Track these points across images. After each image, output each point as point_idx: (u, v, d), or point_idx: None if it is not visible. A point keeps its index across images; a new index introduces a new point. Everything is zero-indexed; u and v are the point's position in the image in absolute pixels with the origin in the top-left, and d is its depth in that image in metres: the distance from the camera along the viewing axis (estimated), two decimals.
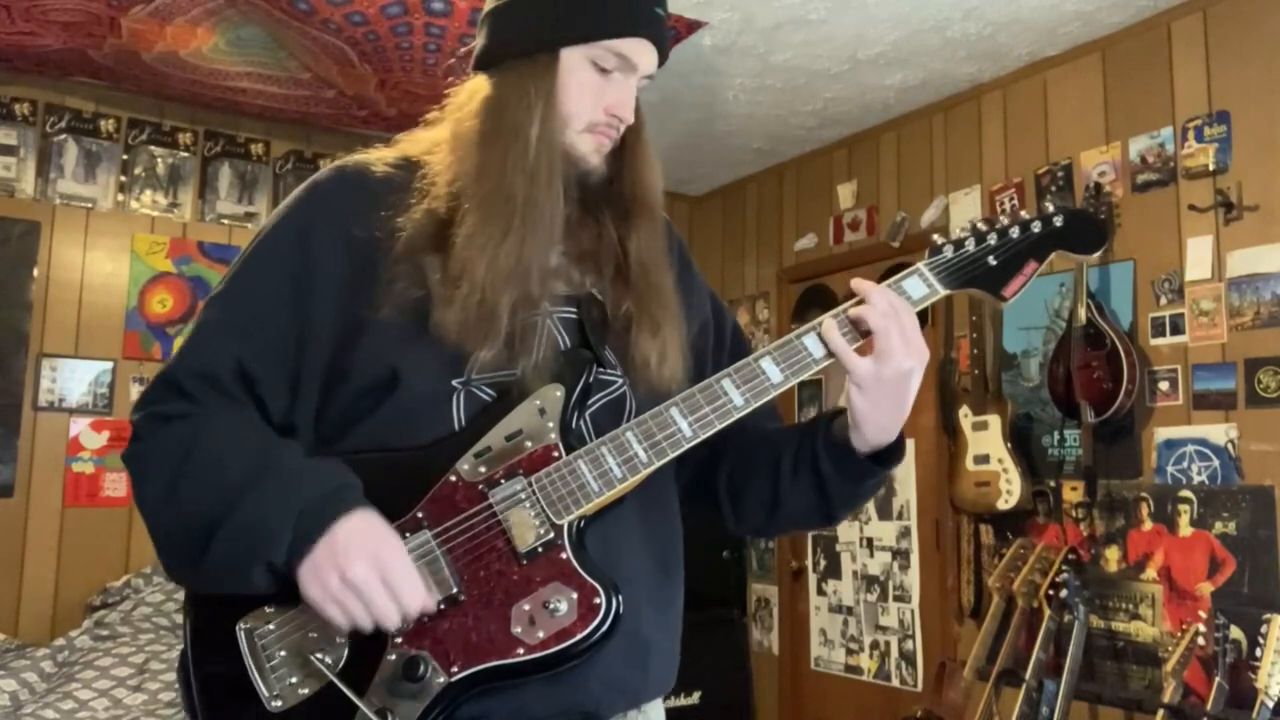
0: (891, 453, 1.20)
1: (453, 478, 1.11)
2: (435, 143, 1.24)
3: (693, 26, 3.22)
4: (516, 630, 1.06)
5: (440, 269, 1.14)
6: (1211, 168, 2.94)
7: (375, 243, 1.15)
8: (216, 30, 3.24)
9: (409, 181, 1.20)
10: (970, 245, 1.19)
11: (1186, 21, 3.07)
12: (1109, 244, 3.17)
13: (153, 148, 3.98)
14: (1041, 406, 3.33)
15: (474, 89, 1.25)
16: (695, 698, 4.09)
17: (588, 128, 1.21)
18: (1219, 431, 2.87)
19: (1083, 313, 3.07)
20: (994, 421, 3.34)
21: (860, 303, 1.15)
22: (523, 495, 1.10)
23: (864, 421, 1.16)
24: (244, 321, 1.16)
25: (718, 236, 5.04)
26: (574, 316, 1.20)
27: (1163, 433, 3.00)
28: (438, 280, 1.14)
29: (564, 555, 1.08)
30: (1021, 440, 3.35)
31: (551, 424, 1.12)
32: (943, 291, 1.18)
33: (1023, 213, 1.21)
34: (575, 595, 1.07)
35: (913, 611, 3.82)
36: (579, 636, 1.06)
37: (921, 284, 1.18)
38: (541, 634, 1.06)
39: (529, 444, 1.11)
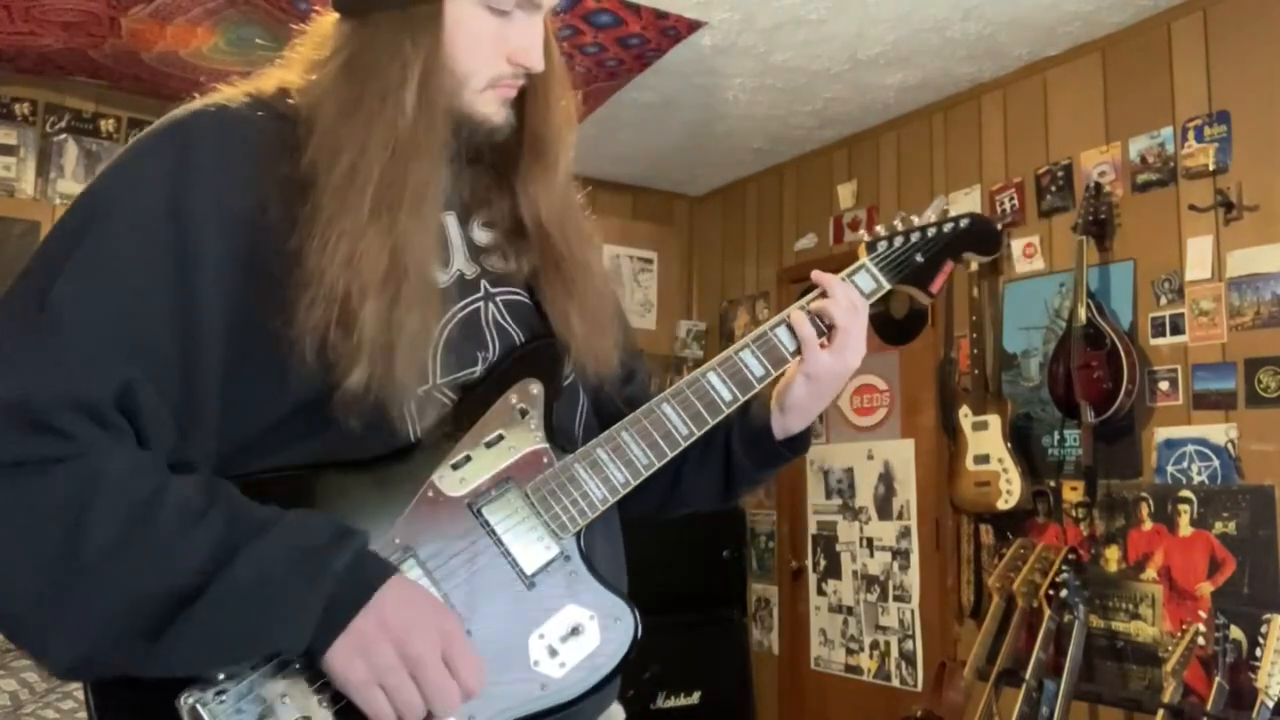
0: (805, 438, 1.21)
1: (430, 493, 0.95)
2: (297, 94, 1.00)
3: (693, 26, 3.22)
4: (537, 665, 0.94)
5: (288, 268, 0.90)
6: (1211, 168, 2.94)
7: (263, 218, 0.91)
8: (216, 30, 3.24)
9: (287, 137, 0.95)
10: (899, 241, 1.23)
11: (1186, 21, 3.07)
12: (1110, 244, 3.18)
13: None
14: (1041, 406, 3.33)
15: (333, 39, 1.00)
16: (695, 698, 4.09)
17: (489, 84, 1.00)
18: (1219, 431, 2.87)
19: (1083, 313, 3.07)
20: (994, 421, 3.34)
21: (822, 295, 1.17)
22: (521, 509, 0.98)
23: (796, 409, 1.16)
24: (125, 328, 0.86)
25: (718, 236, 5.04)
26: (519, 299, 1.07)
27: (1163, 433, 3.00)
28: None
29: (575, 572, 0.98)
30: (1021, 440, 3.35)
31: (535, 425, 1.00)
32: (887, 286, 1.22)
33: (931, 214, 1.26)
34: (595, 616, 0.97)
35: (913, 611, 3.82)
36: (606, 660, 0.96)
37: (870, 279, 1.21)
38: (566, 665, 0.95)
39: (514, 449, 0.98)
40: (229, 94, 0.99)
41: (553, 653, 0.95)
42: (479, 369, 1.00)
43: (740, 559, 4.48)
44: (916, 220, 1.24)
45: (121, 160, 0.93)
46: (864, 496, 4.07)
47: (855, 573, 4.07)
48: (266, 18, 3.09)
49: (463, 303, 1.01)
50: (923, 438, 3.84)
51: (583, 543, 1.01)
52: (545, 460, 1.00)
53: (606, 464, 1.02)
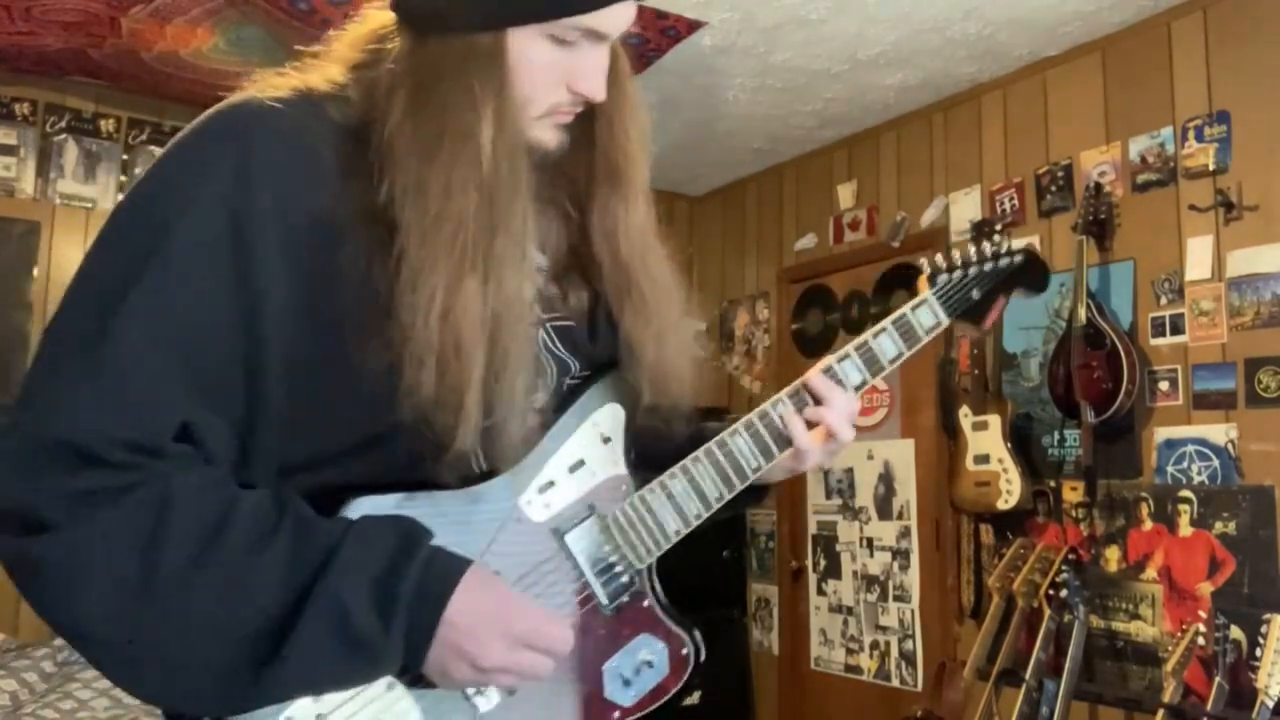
0: (769, 489, 1.18)
1: (517, 517, 0.95)
2: (361, 109, 0.94)
3: (693, 26, 3.22)
4: (610, 694, 0.97)
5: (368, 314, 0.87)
6: (1211, 168, 2.94)
7: (339, 252, 0.88)
8: (216, 30, 3.24)
9: (361, 161, 0.90)
10: (957, 275, 1.20)
11: (1186, 21, 3.07)
12: (1110, 244, 3.18)
13: (152, 148, 3.98)
14: (1041, 406, 3.33)
15: (392, 53, 0.95)
16: (695, 698, 4.08)
17: (547, 112, 0.96)
18: (1219, 431, 2.87)
19: (1083, 313, 3.07)
20: (994, 421, 3.34)
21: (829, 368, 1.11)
22: (602, 539, 0.99)
23: (776, 474, 1.12)
24: (188, 356, 0.83)
25: (718, 236, 5.04)
26: (569, 324, 1.05)
27: (1163, 433, 3.00)
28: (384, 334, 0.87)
29: (647, 603, 1.00)
30: (1021, 440, 3.35)
31: (616, 451, 1.01)
32: (946, 321, 1.19)
33: (988, 247, 1.23)
34: (664, 646, 0.99)
35: (913, 611, 3.82)
36: (671, 692, 0.99)
37: (931, 315, 1.17)
38: (634, 694, 0.98)
39: (595, 476, 0.99)
40: (279, 91, 0.93)
41: (626, 683, 0.98)
42: (540, 395, 0.98)
43: (740, 559, 4.48)
44: (973, 251, 1.21)
45: (177, 166, 0.89)
46: (864, 496, 4.07)
47: (855, 573, 4.07)
48: (266, 18, 3.09)
49: None
50: (923, 438, 3.84)
51: (652, 572, 1.02)
52: (624, 488, 1.01)
53: (681, 495, 1.02)
